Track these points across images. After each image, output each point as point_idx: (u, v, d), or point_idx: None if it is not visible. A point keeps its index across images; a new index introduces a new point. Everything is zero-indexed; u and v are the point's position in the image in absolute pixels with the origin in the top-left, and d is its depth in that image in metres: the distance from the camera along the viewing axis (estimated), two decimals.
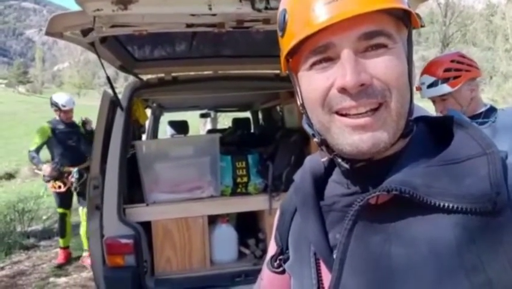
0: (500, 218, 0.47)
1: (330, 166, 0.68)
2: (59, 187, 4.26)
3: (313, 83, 0.56)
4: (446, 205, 0.49)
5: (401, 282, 0.50)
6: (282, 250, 0.75)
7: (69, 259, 4.59)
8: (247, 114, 6.02)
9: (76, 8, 1.68)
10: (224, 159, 2.85)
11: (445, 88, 1.85)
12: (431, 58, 2.09)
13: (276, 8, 1.64)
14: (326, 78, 0.55)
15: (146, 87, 2.84)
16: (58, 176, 4.24)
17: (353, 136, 0.54)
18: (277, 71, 2.94)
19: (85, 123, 4.66)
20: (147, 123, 4.58)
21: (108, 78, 2.42)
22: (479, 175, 0.49)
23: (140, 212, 2.62)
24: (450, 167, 0.52)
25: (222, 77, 3.02)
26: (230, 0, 1.65)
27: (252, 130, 5.53)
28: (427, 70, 1.93)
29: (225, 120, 9.86)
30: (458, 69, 1.85)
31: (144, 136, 4.56)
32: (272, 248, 0.79)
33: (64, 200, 4.43)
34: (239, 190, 2.83)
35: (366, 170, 0.59)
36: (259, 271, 0.85)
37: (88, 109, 7.79)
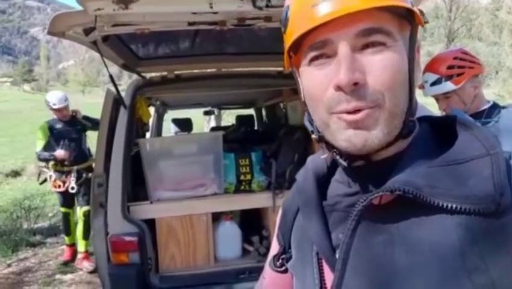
0: (503, 219, 0.47)
1: (333, 165, 0.68)
2: (59, 186, 4.25)
3: (313, 80, 0.57)
4: (449, 205, 0.48)
5: (403, 282, 0.50)
6: (285, 250, 0.75)
7: (75, 256, 4.59)
8: (251, 111, 6.02)
9: (78, 7, 1.69)
10: (227, 156, 2.85)
11: (449, 86, 1.83)
12: (436, 53, 2.07)
13: (277, 6, 1.66)
14: (325, 76, 0.55)
15: (149, 85, 2.85)
16: (58, 175, 4.24)
17: (348, 131, 0.54)
18: (280, 69, 2.94)
19: (74, 115, 4.53)
20: (151, 121, 4.57)
21: (111, 76, 2.43)
22: (483, 176, 0.49)
23: (144, 210, 2.63)
24: (454, 168, 0.51)
25: (225, 75, 3.02)
26: None
27: (256, 128, 5.53)
28: (430, 67, 1.91)
29: (229, 117, 9.87)
30: (461, 66, 1.84)
31: (148, 134, 4.56)
32: (274, 248, 0.80)
33: (66, 199, 4.41)
34: (242, 187, 2.83)
35: (367, 170, 0.59)
36: (263, 268, 0.85)
37: (93, 106, 7.82)
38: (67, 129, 4.40)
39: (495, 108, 1.82)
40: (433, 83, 1.87)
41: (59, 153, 4.14)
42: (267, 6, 1.65)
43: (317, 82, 0.56)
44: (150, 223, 2.62)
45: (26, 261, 4.62)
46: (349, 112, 0.53)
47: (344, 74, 0.51)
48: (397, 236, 0.52)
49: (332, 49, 0.54)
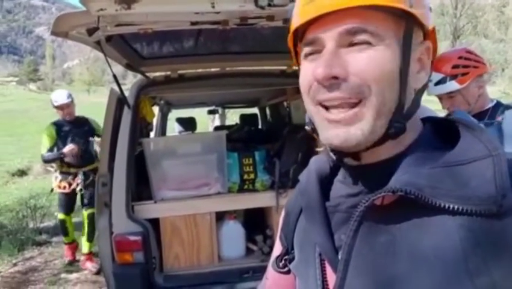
0: (505, 220, 0.47)
1: (336, 166, 0.68)
2: (64, 187, 4.19)
3: (303, 73, 0.59)
4: (451, 206, 0.48)
5: (405, 283, 0.50)
6: (287, 250, 0.75)
7: (76, 254, 4.56)
8: (255, 110, 6.02)
9: (83, 6, 1.70)
10: (231, 156, 2.85)
11: (453, 85, 1.82)
12: (443, 51, 2.06)
13: (279, 5, 1.65)
14: (312, 69, 0.56)
15: (152, 84, 2.86)
16: (64, 176, 4.20)
17: (329, 130, 0.56)
18: (284, 68, 2.93)
19: (81, 117, 4.48)
20: (155, 120, 4.58)
21: (115, 76, 2.44)
22: (485, 177, 0.49)
23: (148, 209, 2.64)
24: (456, 169, 0.51)
25: (229, 74, 3.02)
26: None
27: (260, 127, 5.53)
28: (434, 66, 1.89)
29: (234, 116, 9.87)
30: (466, 65, 1.83)
31: (152, 134, 4.57)
32: (277, 249, 0.80)
33: (67, 202, 4.33)
34: (246, 187, 2.83)
35: (368, 170, 0.59)
36: (266, 267, 0.85)
37: (98, 106, 7.84)
38: (74, 131, 4.30)
39: (498, 106, 1.80)
40: (438, 83, 1.86)
41: (69, 147, 4.06)
42: (269, 5, 1.65)
43: (306, 74, 0.58)
44: (155, 222, 2.62)
45: (31, 260, 4.65)
46: (331, 109, 0.55)
47: (321, 68, 0.54)
48: (399, 237, 0.52)
49: (321, 45, 0.56)
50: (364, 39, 0.53)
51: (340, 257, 0.58)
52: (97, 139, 4.30)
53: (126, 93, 2.66)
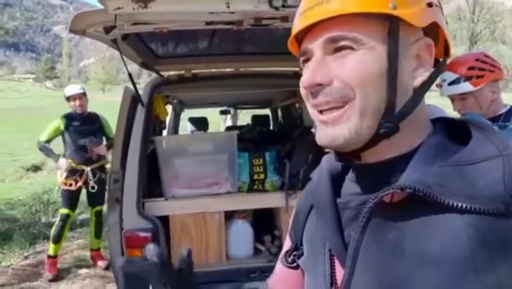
0: None
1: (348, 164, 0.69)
2: (71, 185, 4.11)
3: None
4: (459, 204, 0.49)
5: (412, 280, 0.51)
6: (296, 246, 0.77)
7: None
8: (267, 111, 6.03)
9: (100, 5, 1.73)
10: (241, 155, 2.86)
11: (467, 87, 1.81)
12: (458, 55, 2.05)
13: (294, 6, 1.67)
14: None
15: (166, 83, 2.88)
16: (70, 173, 4.11)
17: (320, 131, 0.60)
18: (297, 69, 2.94)
19: (93, 113, 4.40)
20: (167, 119, 4.61)
21: (130, 74, 2.47)
22: (494, 176, 0.49)
23: (158, 206, 2.67)
24: (465, 168, 0.52)
25: (241, 75, 3.04)
26: None
27: (271, 128, 5.54)
28: (450, 67, 1.88)
29: (245, 117, 9.89)
30: (481, 68, 1.81)
31: (165, 132, 4.61)
32: (287, 245, 0.81)
33: (71, 199, 4.19)
34: (256, 187, 2.84)
35: (377, 168, 0.60)
36: (274, 268, 0.87)
37: (112, 104, 7.93)
38: (84, 128, 4.21)
39: None
40: (452, 83, 1.84)
41: (61, 163, 4.04)
42: (283, 6, 1.67)
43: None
44: (164, 219, 2.65)
45: (42, 253, 4.70)
46: (321, 111, 0.59)
47: (305, 77, 0.59)
48: (408, 235, 0.53)
49: (311, 54, 0.60)
50: (345, 45, 0.56)
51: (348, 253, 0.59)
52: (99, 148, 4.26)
53: (140, 92, 2.69)
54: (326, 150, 0.67)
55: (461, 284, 0.48)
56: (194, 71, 2.92)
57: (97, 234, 4.41)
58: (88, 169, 4.16)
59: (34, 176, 10.27)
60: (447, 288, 0.48)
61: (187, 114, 5.89)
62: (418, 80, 0.58)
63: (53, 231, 4.17)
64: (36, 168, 10.93)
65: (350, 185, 0.65)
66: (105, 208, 4.28)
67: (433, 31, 0.59)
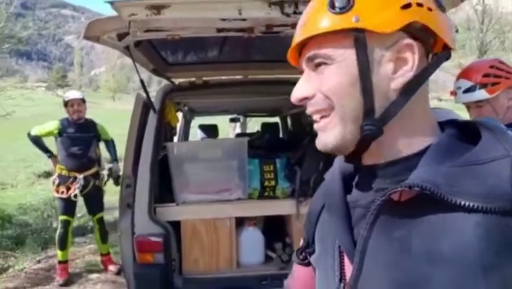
0: None
1: None
2: (62, 192, 4.04)
3: None
4: (467, 203, 0.50)
5: (420, 278, 0.52)
6: (308, 244, 0.79)
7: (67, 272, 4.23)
8: (276, 119, 6.04)
9: (112, 14, 1.77)
10: (252, 162, 2.87)
11: (482, 94, 1.78)
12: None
13: None
14: None
15: (177, 90, 2.92)
16: (62, 180, 4.06)
17: (318, 137, 0.65)
18: None
19: (89, 121, 4.34)
20: (178, 126, 4.65)
21: (142, 81, 2.50)
22: (502, 176, 0.50)
23: (170, 212, 2.68)
24: (473, 168, 0.52)
25: (252, 82, 3.06)
26: (259, 5, 1.69)
27: (281, 135, 5.54)
28: (465, 74, 1.86)
29: (254, 125, 9.90)
30: (497, 75, 1.79)
31: (175, 139, 4.63)
32: (301, 244, 0.84)
33: (68, 206, 4.12)
34: (266, 194, 2.84)
35: (386, 168, 0.62)
36: (285, 275, 0.90)
37: (122, 113, 8.00)
38: (77, 135, 4.13)
39: None
40: (467, 91, 1.82)
41: (50, 162, 4.17)
42: (295, 13, 1.68)
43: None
44: (176, 225, 2.66)
45: (54, 258, 4.72)
46: (315, 120, 0.64)
47: (293, 92, 0.65)
48: (415, 233, 0.54)
49: (303, 70, 0.66)
50: (320, 61, 0.61)
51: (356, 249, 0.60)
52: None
53: (152, 99, 2.72)
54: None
55: (469, 283, 0.48)
56: (205, 78, 2.95)
57: (103, 240, 4.41)
58: (80, 177, 4.06)
59: (45, 182, 10.34)
60: (457, 287, 0.49)
61: (196, 122, 5.92)
62: (398, 82, 0.58)
63: (57, 238, 4.16)
64: (48, 175, 11.00)
65: (360, 184, 0.67)
66: (105, 213, 4.42)
67: (420, 29, 0.58)
